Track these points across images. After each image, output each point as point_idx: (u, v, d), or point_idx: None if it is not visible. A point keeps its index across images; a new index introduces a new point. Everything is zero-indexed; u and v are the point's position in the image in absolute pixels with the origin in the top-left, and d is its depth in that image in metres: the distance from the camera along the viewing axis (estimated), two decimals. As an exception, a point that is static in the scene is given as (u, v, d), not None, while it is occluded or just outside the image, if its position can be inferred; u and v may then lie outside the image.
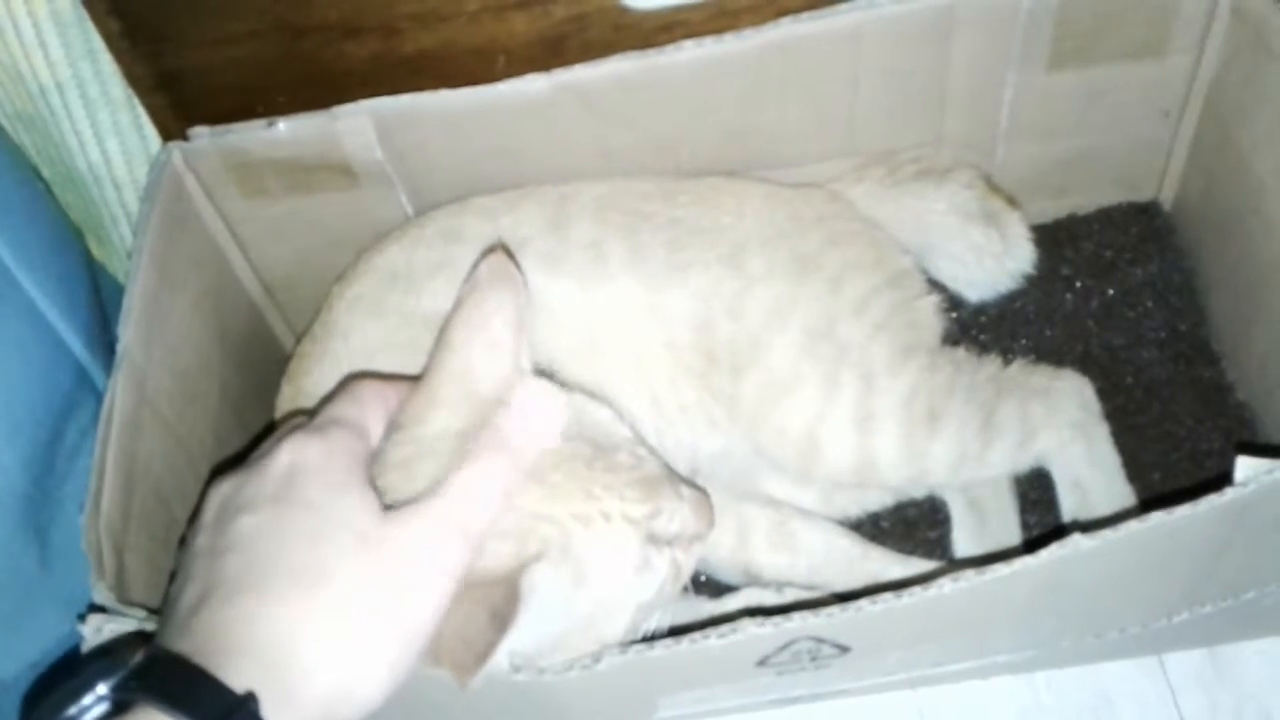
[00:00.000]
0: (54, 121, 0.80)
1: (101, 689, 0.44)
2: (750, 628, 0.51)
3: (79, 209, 0.86)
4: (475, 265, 0.61)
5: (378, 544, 0.49)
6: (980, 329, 0.85)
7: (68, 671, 0.47)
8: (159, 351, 0.69)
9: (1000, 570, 0.51)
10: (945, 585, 0.51)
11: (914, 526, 0.78)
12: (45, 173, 0.84)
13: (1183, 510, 0.51)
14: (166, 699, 0.43)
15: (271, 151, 0.76)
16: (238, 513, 0.50)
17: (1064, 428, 0.75)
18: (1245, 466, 0.52)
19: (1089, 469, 0.75)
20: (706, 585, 0.76)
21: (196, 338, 0.75)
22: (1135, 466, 0.76)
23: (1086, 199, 0.88)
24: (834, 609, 0.51)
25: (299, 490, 0.50)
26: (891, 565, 0.73)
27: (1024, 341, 0.84)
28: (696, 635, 0.52)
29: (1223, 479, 0.52)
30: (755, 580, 0.73)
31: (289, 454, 0.52)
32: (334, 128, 0.75)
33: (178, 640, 0.46)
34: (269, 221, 0.81)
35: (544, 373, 0.62)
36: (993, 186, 0.84)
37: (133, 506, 0.62)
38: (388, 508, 0.51)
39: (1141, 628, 0.63)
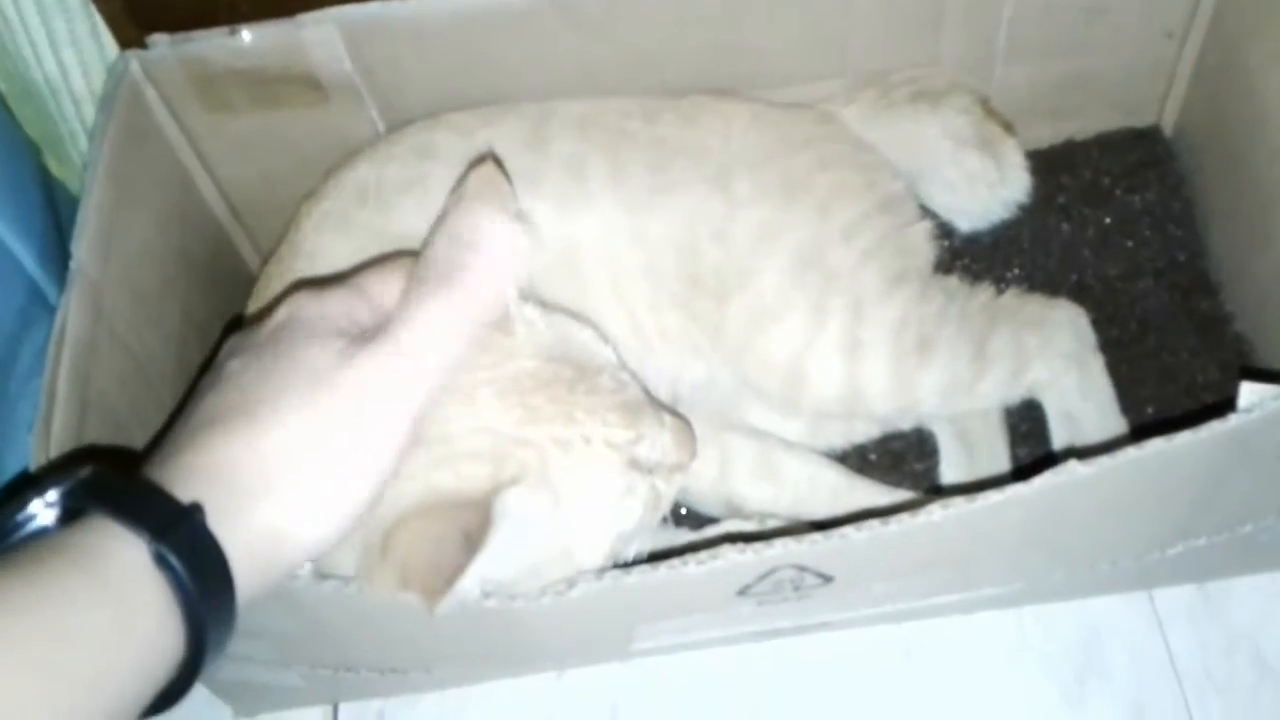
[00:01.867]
0: (7, 31, 0.76)
1: (51, 495, 0.43)
2: (731, 554, 0.49)
3: (36, 124, 0.82)
4: (463, 176, 0.58)
5: (330, 382, 0.49)
6: (974, 256, 0.83)
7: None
8: (116, 269, 0.66)
9: (992, 498, 0.48)
10: (935, 513, 0.49)
11: (901, 459, 0.76)
12: (0, 86, 0.80)
13: (1184, 437, 0.49)
14: (113, 506, 0.43)
15: (234, 61, 0.72)
16: (227, 357, 0.52)
17: (1057, 359, 0.72)
18: (1250, 392, 0.50)
19: (1082, 401, 0.73)
20: (688, 518, 0.73)
21: (158, 257, 0.71)
22: (1130, 399, 0.74)
23: (1085, 123, 0.86)
24: (818, 536, 0.49)
25: (281, 337, 0.51)
26: (878, 497, 0.70)
27: (1018, 270, 0.82)
28: (675, 562, 0.50)
29: (1224, 405, 0.50)
30: (737, 512, 0.70)
31: (285, 307, 0.54)
32: (300, 36, 0.71)
33: (145, 468, 0.46)
34: (234, 138, 0.77)
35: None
36: (990, 111, 0.81)
37: (86, 431, 0.59)
38: None
39: (1135, 560, 0.61)
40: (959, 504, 0.49)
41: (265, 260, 0.74)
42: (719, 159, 0.72)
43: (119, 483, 0.44)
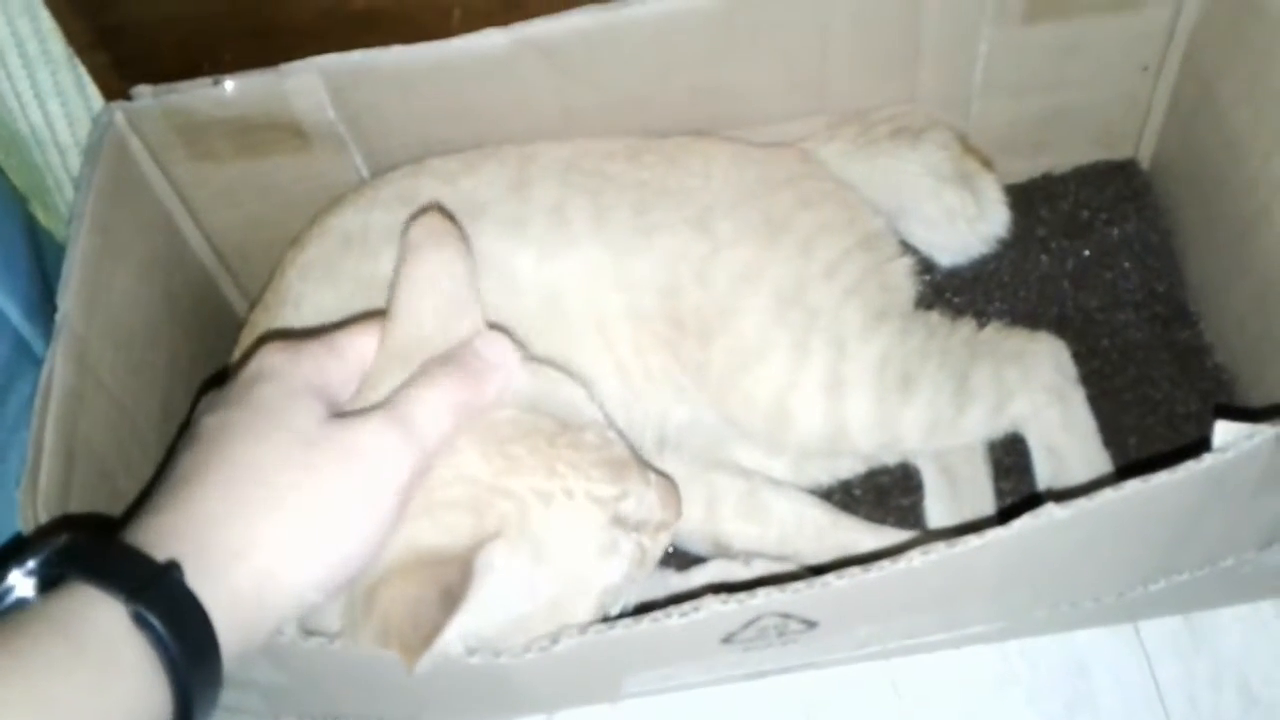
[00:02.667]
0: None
1: (29, 565, 0.44)
2: (713, 605, 0.49)
3: (22, 173, 0.82)
4: (405, 229, 0.59)
5: (315, 443, 0.49)
6: (954, 291, 0.83)
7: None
8: (101, 320, 0.66)
9: (971, 542, 0.49)
10: (914, 558, 0.49)
11: (887, 494, 0.76)
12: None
13: (1160, 478, 0.49)
14: (89, 570, 0.43)
15: (218, 111, 0.73)
16: (201, 414, 0.52)
17: (1039, 392, 0.73)
18: (1224, 432, 0.50)
19: (1064, 434, 0.73)
20: (674, 556, 0.74)
21: (142, 306, 0.72)
22: (1111, 430, 0.75)
23: (1063, 157, 0.86)
24: (799, 585, 0.49)
25: (255, 393, 0.51)
26: (863, 535, 0.71)
27: (998, 304, 0.83)
28: (658, 615, 0.50)
29: (1200, 445, 0.50)
30: (724, 551, 0.71)
31: (258, 360, 0.53)
32: (282, 86, 0.72)
33: (124, 533, 0.46)
34: (219, 185, 0.78)
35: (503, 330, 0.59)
36: (968, 147, 0.82)
37: (73, 480, 0.60)
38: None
39: (1117, 597, 0.61)
40: (939, 549, 0.49)
41: (251, 307, 0.74)
42: (701, 199, 0.72)
43: (94, 547, 0.45)
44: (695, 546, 0.72)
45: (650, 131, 0.77)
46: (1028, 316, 0.81)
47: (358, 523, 0.49)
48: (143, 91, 0.72)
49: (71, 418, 0.61)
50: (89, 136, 0.71)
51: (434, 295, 0.57)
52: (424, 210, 0.62)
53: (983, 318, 0.78)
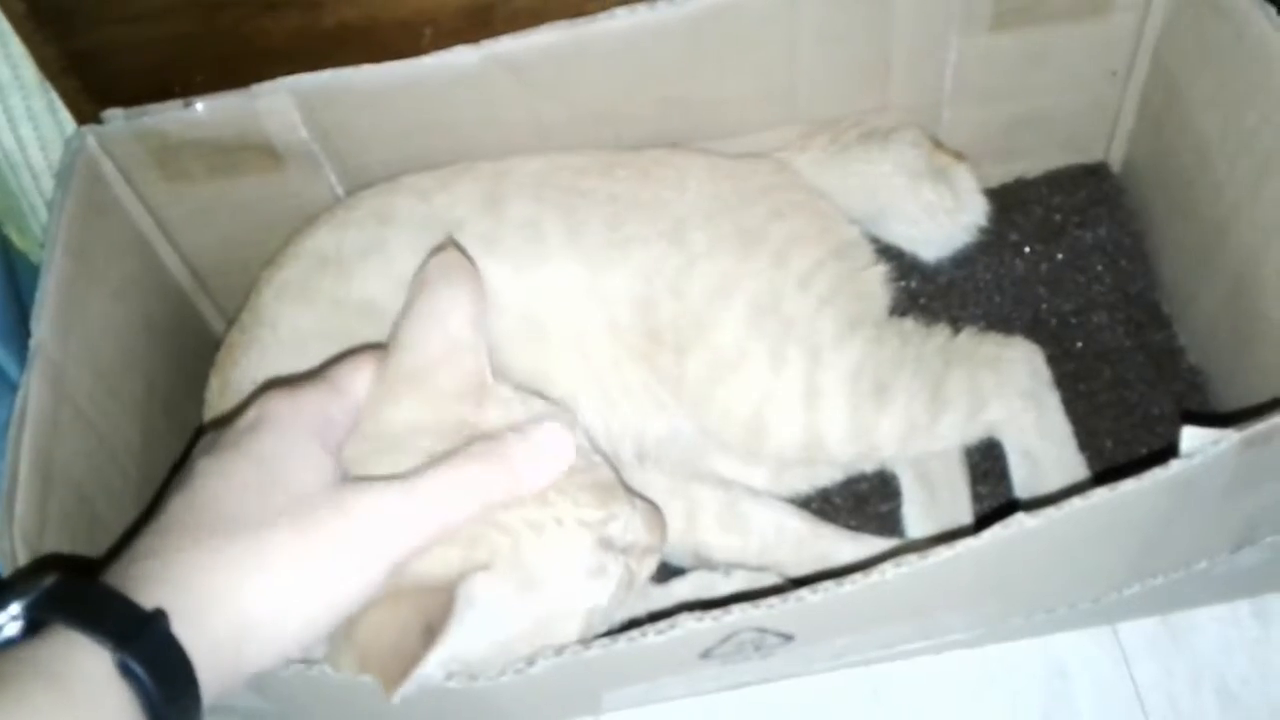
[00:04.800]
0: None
1: (14, 609, 0.43)
2: (689, 623, 0.50)
3: (-2, 197, 0.82)
4: (424, 264, 0.59)
5: (318, 505, 0.49)
6: (929, 297, 0.84)
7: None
8: (77, 345, 0.66)
9: (943, 554, 0.49)
10: (887, 571, 0.49)
11: (865, 501, 0.76)
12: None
13: (1128, 485, 0.50)
14: (75, 616, 0.43)
15: (190, 133, 0.73)
16: (197, 457, 0.51)
17: (1014, 397, 0.73)
18: (1191, 437, 0.51)
19: (1039, 439, 0.73)
20: (658, 569, 0.74)
21: (119, 330, 0.72)
22: (1087, 434, 0.75)
23: (1034, 162, 0.87)
24: (774, 600, 0.50)
25: (255, 440, 0.51)
26: (842, 544, 0.71)
27: (973, 309, 0.83)
28: (634, 633, 0.50)
29: (1169, 451, 0.51)
30: (705, 562, 0.71)
31: (258, 406, 0.53)
32: (254, 106, 0.72)
33: (109, 575, 0.46)
34: (194, 206, 0.78)
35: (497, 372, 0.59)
36: (938, 143, 0.82)
37: (50, 508, 0.60)
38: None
39: (1092, 603, 0.62)
40: (911, 561, 0.49)
41: (228, 327, 0.74)
42: (675, 212, 0.73)
43: (81, 591, 0.44)
44: (676, 558, 0.72)
45: (623, 145, 0.77)
46: (1002, 321, 0.82)
47: (343, 587, 0.48)
48: (114, 115, 0.72)
49: (48, 444, 0.61)
50: (60, 160, 0.71)
51: (442, 333, 0.57)
52: (441, 246, 0.62)
53: (958, 323, 0.78)
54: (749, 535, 0.71)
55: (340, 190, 0.78)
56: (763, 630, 0.53)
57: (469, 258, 0.61)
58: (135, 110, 0.72)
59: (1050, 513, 0.49)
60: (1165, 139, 0.79)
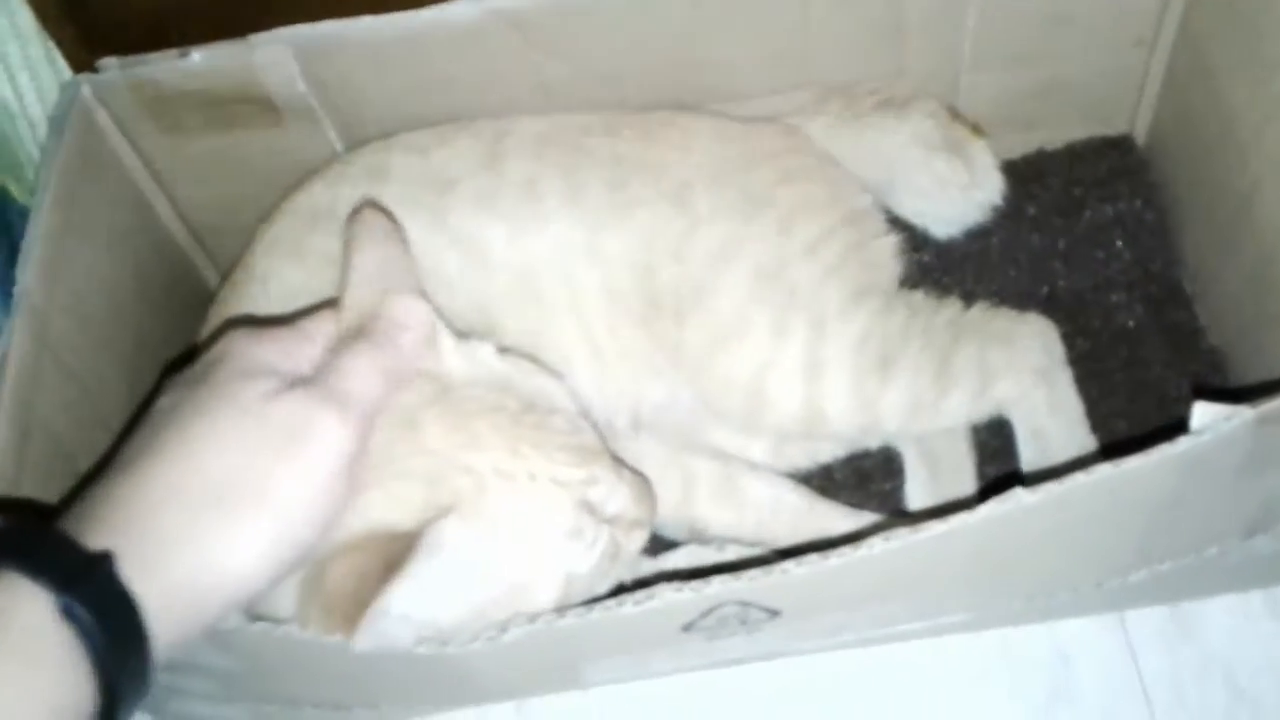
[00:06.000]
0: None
1: None
2: (667, 593, 0.48)
3: (-3, 147, 0.81)
4: (347, 223, 0.59)
5: (257, 415, 0.48)
6: (943, 271, 0.81)
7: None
8: (64, 295, 0.65)
9: (935, 528, 0.47)
10: (875, 545, 0.47)
11: (868, 478, 0.74)
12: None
13: (1133, 462, 0.47)
14: (19, 559, 0.42)
15: (186, 84, 0.71)
16: (159, 395, 0.51)
17: (1025, 374, 0.71)
18: (1202, 413, 0.48)
19: (1050, 418, 0.71)
20: (650, 542, 0.72)
21: (109, 282, 0.71)
22: (1100, 414, 0.73)
23: (1055, 133, 0.84)
24: (756, 572, 0.48)
25: (212, 373, 0.50)
26: (840, 520, 0.69)
27: (987, 284, 0.80)
28: (610, 603, 0.48)
29: (1178, 427, 0.48)
30: (700, 537, 0.69)
31: (220, 344, 0.53)
32: (251, 58, 0.70)
33: (65, 519, 0.45)
34: (191, 161, 0.77)
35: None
36: (956, 115, 0.79)
37: (27, 457, 0.59)
38: None
39: (1096, 587, 0.59)
40: (901, 535, 0.47)
41: (220, 284, 0.73)
42: (679, 175, 0.71)
43: (26, 534, 0.43)
44: (671, 531, 0.71)
45: (629, 106, 0.75)
46: (1017, 297, 0.79)
47: (300, 506, 0.47)
48: (109, 64, 0.71)
49: (28, 395, 0.60)
50: (53, 109, 0.70)
51: (380, 287, 0.56)
52: (359, 208, 0.61)
53: (971, 298, 0.76)
54: (745, 509, 0.69)
55: (340, 147, 0.77)
56: (746, 604, 0.51)
57: (389, 214, 0.60)
58: (130, 59, 0.70)
59: (1051, 488, 0.47)
60: (1191, 109, 0.76)
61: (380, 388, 0.52)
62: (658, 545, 0.70)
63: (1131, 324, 0.78)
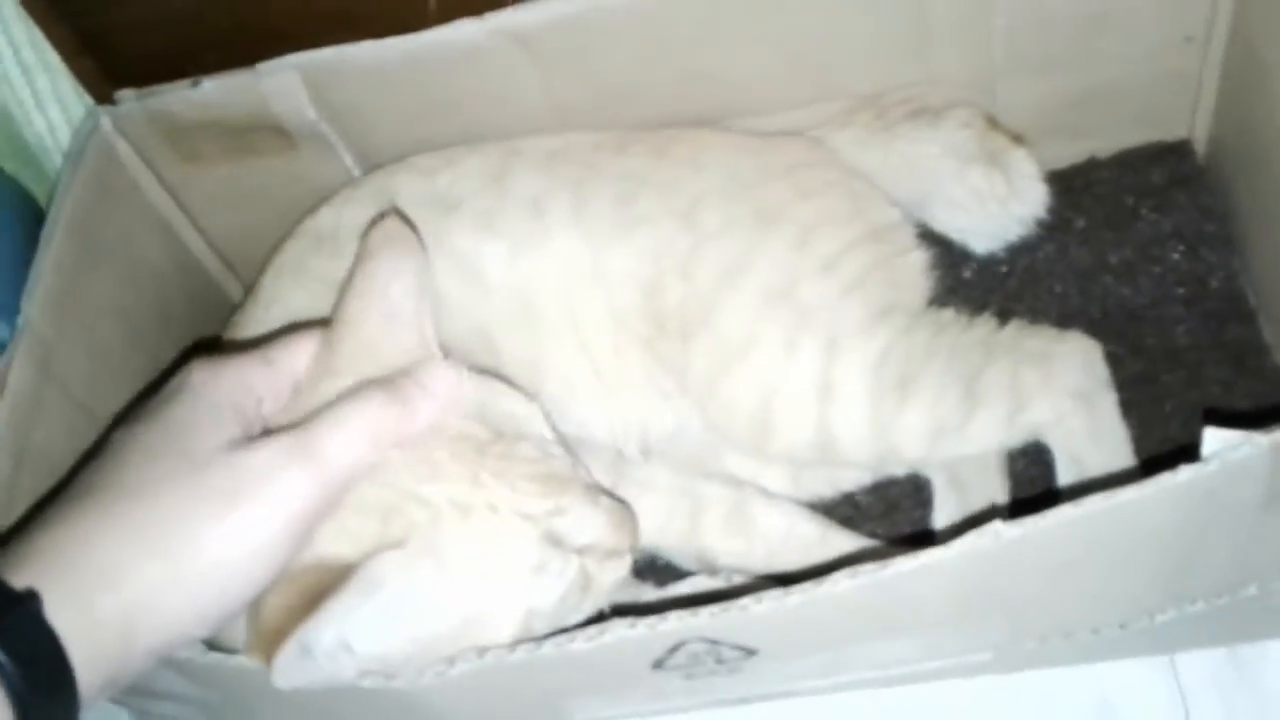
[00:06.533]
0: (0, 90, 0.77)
1: None
2: (619, 629, 0.45)
3: (34, 180, 0.83)
4: (367, 231, 0.56)
5: (208, 465, 0.46)
6: (982, 288, 0.77)
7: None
8: (73, 326, 0.66)
9: (904, 564, 0.43)
10: (840, 581, 0.44)
11: (895, 506, 0.70)
12: (5, 146, 0.82)
13: (1128, 493, 0.43)
14: None
15: (200, 113, 0.72)
16: (115, 427, 0.50)
17: (1063, 397, 0.66)
18: (1213, 440, 0.44)
19: (1090, 444, 0.66)
20: (666, 570, 0.69)
21: (124, 313, 0.71)
22: (1153, 440, 0.68)
23: (1106, 140, 0.79)
24: (715, 608, 0.45)
25: (168, 408, 0.49)
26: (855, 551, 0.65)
27: (1031, 301, 0.76)
28: (561, 638, 0.46)
29: (1185, 453, 0.44)
30: (709, 566, 0.66)
31: (180, 375, 0.51)
32: (260, 86, 0.70)
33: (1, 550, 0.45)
34: (214, 190, 0.78)
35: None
36: (994, 124, 0.75)
37: (20, 484, 0.59)
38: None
39: (1120, 628, 0.54)
40: (868, 571, 0.44)
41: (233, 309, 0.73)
42: (690, 190, 0.68)
43: None
44: (681, 560, 0.68)
45: (645, 124, 0.73)
46: (1065, 315, 0.74)
47: (241, 558, 0.45)
48: (126, 95, 0.72)
49: (25, 423, 0.61)
50: (70, 142, 0.71)
51: (382, 304, 0.55)
52: (384, 215, 0.59)
53: (1012, 317, 0.71)
54: (754, 539, 0.66)
55: (357, 172, 0.77)
56: (715, 642, 0.48)
57: (412, 226, 0.58)
58: (146, 91, 0.71)
59: (1034, 521, 0.43)
60: (1250, 111, 0.70)
61: (369, 452, 0.50)
62: (669, 574, 0.67)
63: (1189, 343, 0.72)
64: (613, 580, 0.55)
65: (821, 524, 0.67)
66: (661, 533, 0.66)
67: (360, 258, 0.55)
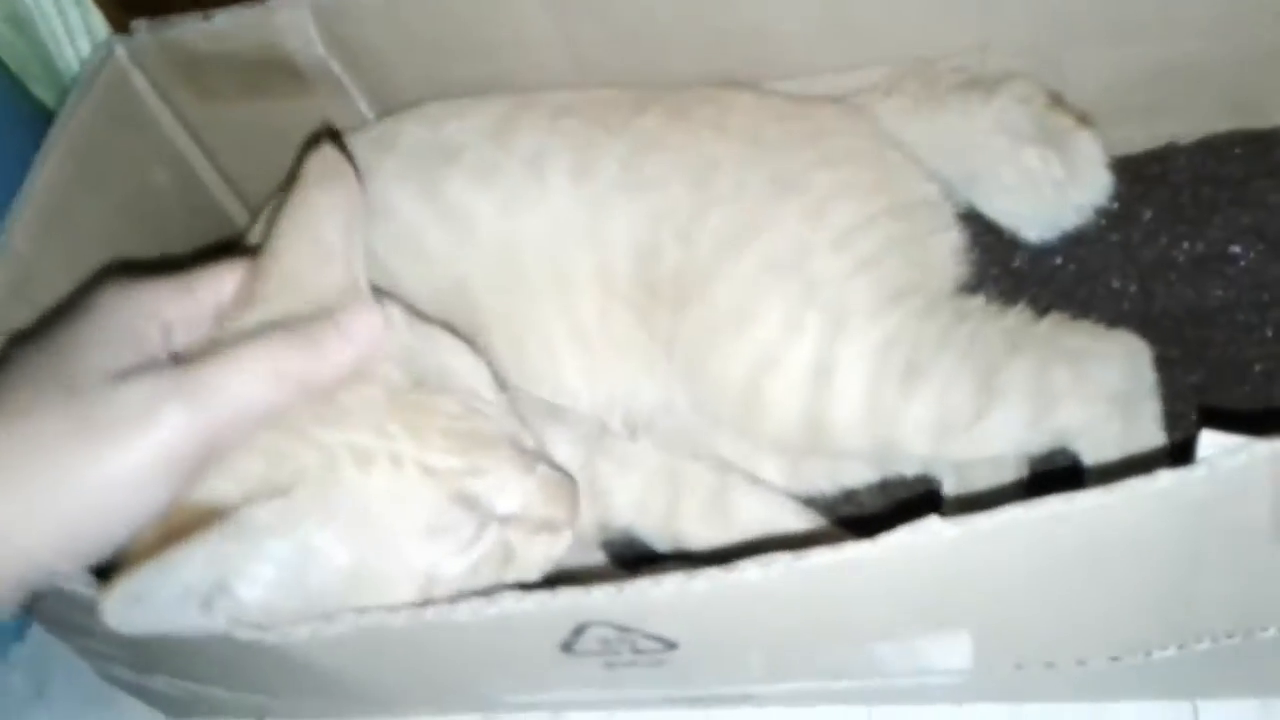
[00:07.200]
0: (35, 21, 0.77)
1: None
2: (507, 601, 0.41)
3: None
4: (303, 161, 0.53)
5: (85, 393, 0.43)
6: (1033, 279, 0.69)
7: None
8: (58, 248, 0.65)
9: (821, 557, 0.38)
10: (749, 569, 0.38)
11: (901, 508, 0.64)
12: (39, 75, 0.82)
13: (1090, 498, 0.36)
14: None
15: (214, 46, 0.70)
16: (15, 342, 0.49)
17: (1096, 401, 0.58)
18: (1208, 444, 0.37)
19: (1122, 455, 0.58)
20: (631, 550, 0.64)
21: (119, 242, 0.70)
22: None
23: (1187, 124, 0.70)
24: (610, 588, 0.40)
25: (64, 329, 0.47)
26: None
27: (1085, 296, 0.68)
28: (444, 606, 0.42)
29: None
30: (684, 552, 0.61)
31: (93, 294, 0.49)
32: (272, 20, 0.68)
33: None
34: (233, 129, 0.76)
35: (385, 294, 0.53)
36: (1056, 101, 0.68)
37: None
38: None
39: (1111, 661, 0.47)
40: (781, 562, 0.38)
41: (234, 252, 0.71)
42: (706, 154, 0.63)
43: None
44: (657, 544, 0.63)
45: (675, 83, 0.68)
46: (1118, 316, 0.66)
47: (105, 493, 0.43)
48: (140, 25, 0.70)
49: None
50: (81, 70, 0.70)
51: (313, 237, 0.52)
52: (321, 145, 0.56)
53: (1062, 311, 0.64)
54: (731, 530, 0.60)
55: (371, 118, 0.74)
56: (624, 629, 0.43)
57: (349, 157, 0.54)
58: (159, 22, 0.70)
59: (975, 521, 0.37)
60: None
61: (270, 394, 0.46)
62: (643, 557, 0.63)
63: (1259, 354, 0.64)
64: (544, 555, 0.50)
65: (811, 520, 0.61)
66: (638, 512, 0.62)
67: (295, 187, 0.52)
